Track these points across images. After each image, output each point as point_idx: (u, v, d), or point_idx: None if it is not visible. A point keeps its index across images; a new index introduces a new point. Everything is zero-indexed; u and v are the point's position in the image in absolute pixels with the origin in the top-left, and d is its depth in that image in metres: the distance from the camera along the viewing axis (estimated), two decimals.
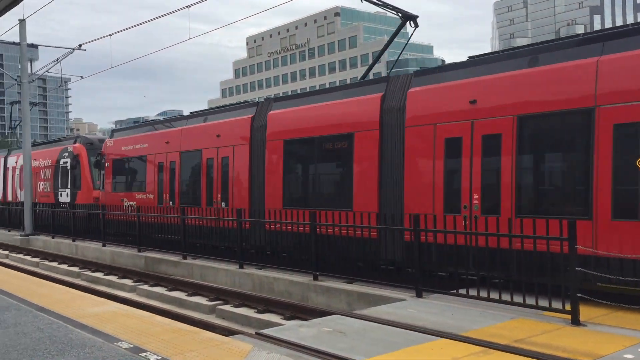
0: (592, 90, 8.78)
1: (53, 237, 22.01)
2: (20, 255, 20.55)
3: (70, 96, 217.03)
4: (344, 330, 7.53)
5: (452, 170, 10.45)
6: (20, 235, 23.43)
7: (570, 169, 9.12)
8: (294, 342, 6.98)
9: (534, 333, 7.24)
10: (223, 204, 15.52)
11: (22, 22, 23.74)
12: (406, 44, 15.35)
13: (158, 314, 10.66)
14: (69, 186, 24.45)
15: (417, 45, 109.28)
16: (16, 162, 30.25)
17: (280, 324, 9.55)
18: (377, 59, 15.05)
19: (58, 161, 25.52)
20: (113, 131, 22.24)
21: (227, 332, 9.06)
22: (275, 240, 13.01)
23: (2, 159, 32.15)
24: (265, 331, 7.61)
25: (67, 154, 24.97)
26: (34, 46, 31.31)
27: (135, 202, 18.90)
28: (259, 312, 10.50)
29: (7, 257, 21.08)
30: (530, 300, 8.37)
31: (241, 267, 13.11)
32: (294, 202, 13.28)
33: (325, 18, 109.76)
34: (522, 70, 9.67)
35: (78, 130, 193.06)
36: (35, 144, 29.30)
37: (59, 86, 27.79)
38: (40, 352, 6.50)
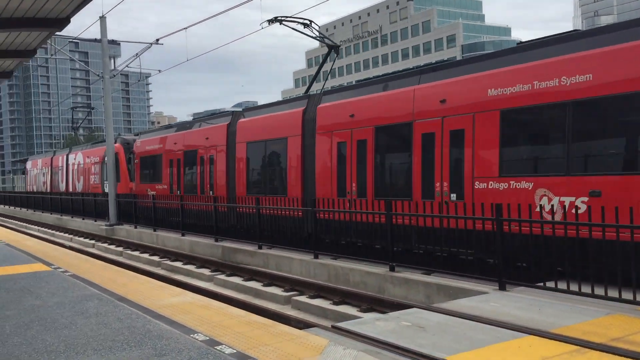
0: (411, 110, 12.51)
1: (136, 227, 22.68)
2: (105, 245, 21.31)
3: (150, 90, 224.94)
4: (424, 325, 7.19)
5: (341, 166, 14.34)
6: (106, 225, 24.32)
7: (403, 164, 12.79)
8: (371, 337, 6.71)
9: (633, 331, 6.64)
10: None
11: (102, 18, 24.51)
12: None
13: (234, 305, 10.68)
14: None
15: (494, 28, 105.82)
16: (75, 159, 35.82)
17: (356, 317, 9.31)
18: (309, 87, 19.80)
19: (103, 158, 29.86)
20: (139, 133, 27.04)
21: (303, 325, 8.91)
22: (344, 230, 12.77)
23: (65, 156, 37.89)
24: (342, 324, 7.38)
25: (110, 150, 26.85)
26: (115, 43, 32.55)
27: (155, 192, 22.95)
28: (335, 303, 10.30)
29: (93, 246, 21.92)
30: (627, 295, 7.73)
31: (316, 257, 12.98)
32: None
33: (397, 4, 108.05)
34: (378, 93, 13.63)
35: (159, 122, 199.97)
36: (95, 142, 34.41)
37: (139, 80, 28.78)
38: (119, 342, 6.55)
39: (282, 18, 17.48)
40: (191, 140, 21.32)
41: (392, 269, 11.02)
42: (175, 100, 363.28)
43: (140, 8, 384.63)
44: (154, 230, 20.91)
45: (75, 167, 35.74)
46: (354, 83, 16.03)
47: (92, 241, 22.71)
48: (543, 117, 10.10)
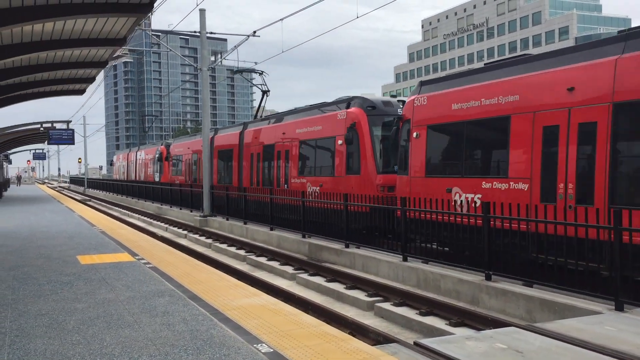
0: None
1: (227, 219, 22.72)
2: (196, 236, 21.45)
3: (253, 85, 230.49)
4: (522, 349, 6.12)
5: (267, 166, 22.88)
6: (200, 216, 24.56)
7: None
8: None
9: None
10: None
11: (202, 11, 24.71)
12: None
13: (311, 309, 9.99)
14: (159, 171, 40.90)
15: (612, 19, 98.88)
16: (141, 155, 48.73)
17: (444, 331, 8.33)
18: (256, 114, 29.17)
19: (154, 155, 42.70)
20: (170, 140, 38.81)
21: (382, 338, 8.05)
22: (436, 231, 11.70)
23: (135, 153, 51.68)
24: (425, 342, 6.46)
25: (158, 150, 41.11)
26: (215, 38, 33.00)
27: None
28: (422, 313, 9.35)
29: (185, 237, 22.16)
30: None
31: (405, 259, 12.08)
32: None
33: None
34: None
35: (260, 117, 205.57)
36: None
37: (235, 73, 28.78)
38: (177, 348, 6.02)
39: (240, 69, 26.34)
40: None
41: (488, 278, 9.91)
42: (277, 95, 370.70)
43: (244, 4, 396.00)
44: (244, 223, 20.79)
45: (140, 161, 49.09)
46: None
47: (185, 232, 22.96)
48: None
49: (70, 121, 35.58)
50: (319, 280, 12.32)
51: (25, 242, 15.41)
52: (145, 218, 30.31)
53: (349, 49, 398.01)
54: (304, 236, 16.48)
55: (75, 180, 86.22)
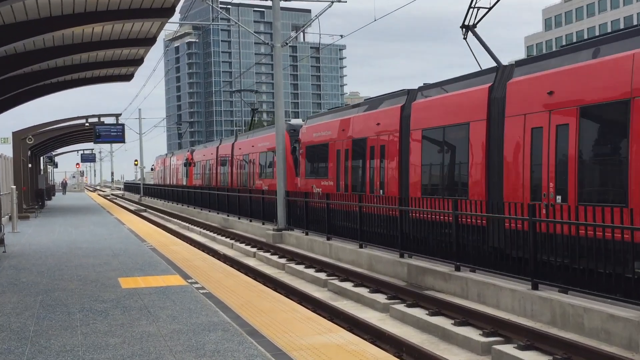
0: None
1: (307, 234, 22.66)
2: (268, 255, 21.49)
3: (344, 66, 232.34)
4: None
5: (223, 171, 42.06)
6: (273, 230, 24.68)
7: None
8: None
9: None
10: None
11: None
12: None
13: (407, 350, 9.59)
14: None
15: None
16: (173, 160, 62.90)
17: None
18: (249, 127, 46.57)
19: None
20: (192, 148, 53.13)
21: None
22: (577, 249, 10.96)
23: (169, 158, 65.58)
24: None
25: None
26: (294, 9, 33.28)
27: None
28: None
29: (254, 255, 22.28)
30: None
31: (535, 287, 11.44)
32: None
33: None
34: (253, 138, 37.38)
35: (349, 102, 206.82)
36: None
37: (317, 47, 28.84)
38: None
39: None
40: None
41: None
42: (373, 77, 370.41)
43: None
44: (327, 239, 20.64)
45: (172, 167, 63.77)
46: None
47: (254, 249, 23.10)
48: None
49: (120, 114, 36.94)
50: (419, 312, 11.90)
51: (62, 261, 15.96)
52: (208, 232, 30.88)
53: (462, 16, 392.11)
54: (402, 255, 16.16)
55: (130, 187, 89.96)
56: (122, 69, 22.94)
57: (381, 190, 21.46)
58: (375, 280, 15.09)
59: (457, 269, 13.90)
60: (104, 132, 35.56)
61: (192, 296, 10.99)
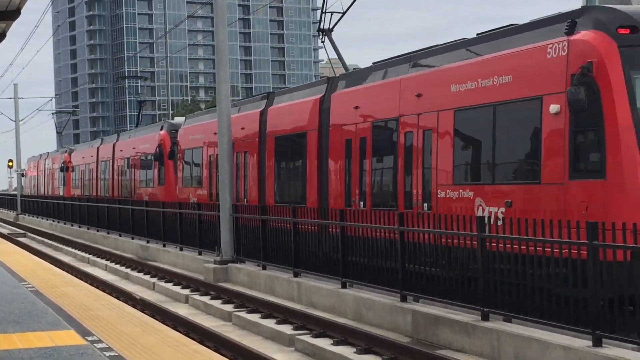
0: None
1: (264, 268, 22.76)
2: (206, 299, 21.59)
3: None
4: None
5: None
6: (215, 263, 24.70)
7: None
8: None
9: None
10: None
11: None
12: None
13: None
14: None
15: None
16: (48, 163, 68.83)
17: None
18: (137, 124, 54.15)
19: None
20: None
21: None
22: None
23: (41, 161, 71.65)
24: None
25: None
26: None
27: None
28: None
29: (186, 300, 22.35)
30: None
31: (598, 342, 11.83)
32: None
33: None
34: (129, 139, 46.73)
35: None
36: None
37: None
38: None
39: None
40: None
41: None
42: (365, 36, 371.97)
43: None
44: (295, 275, 20.75)
45: (51, 170, 64.78)
46: None
47: (186, 291, 23.21)
48: None
49: None
50: None
51: None
52: (119, 267, 30.90)
53: None
54: (403, 299, 16.34)
55: (1, 200, 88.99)
56: None
57: (245, 199, 26.80)
58: (365, 335, 15.28)
59: (485, 317, 14.08)
60: None
61: None
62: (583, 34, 16.46)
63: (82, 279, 23.91)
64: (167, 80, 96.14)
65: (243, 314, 19.04)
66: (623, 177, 15.58)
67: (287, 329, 17.02)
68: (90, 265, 33.15)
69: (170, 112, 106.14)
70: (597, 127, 16.11)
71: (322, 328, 16.52)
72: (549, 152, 16.96)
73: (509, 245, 14.10)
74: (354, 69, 30.81)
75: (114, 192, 48.31)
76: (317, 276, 20.15)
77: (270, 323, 17.74)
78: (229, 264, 24.54)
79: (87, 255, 35.56)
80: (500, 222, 16.04)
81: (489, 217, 17.47)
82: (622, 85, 15.83)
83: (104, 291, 21.41)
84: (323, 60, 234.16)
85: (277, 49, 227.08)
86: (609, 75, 15.83)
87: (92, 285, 22.36)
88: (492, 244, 14.43)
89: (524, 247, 13.81)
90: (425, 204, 19.98)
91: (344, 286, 18.58)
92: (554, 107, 16.67)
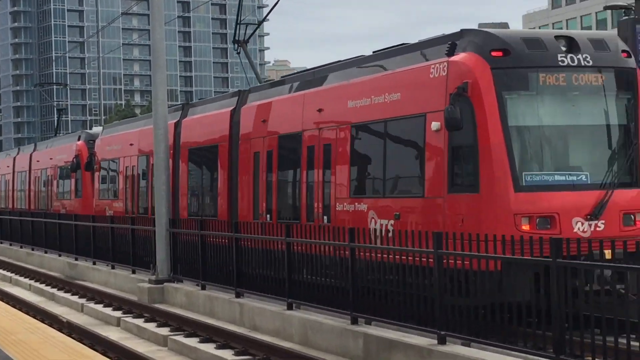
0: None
1: (203, 288, 22.68)
2: (140, 321, 21.50)
3: (267, 19, 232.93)
4: None
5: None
6: (150, 282, 24.58)
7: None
8: None
9: None
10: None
11: None
12: None
13: None
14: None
15: None
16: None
17: None
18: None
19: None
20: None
21: None
22: None
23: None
24: None
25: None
26: None
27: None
28: None
29: (118, 323, 22.21)
30: None
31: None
32: None
33: None
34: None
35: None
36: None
37: None
38: None
39: None
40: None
41: None
42: (313, 37, 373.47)
43: None
44: (237, 296, 20.71)
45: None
46: None
47: (118, 313, 23.06)
48: None
49: None
50: None
51: None
52: (44, 287, 30.58)
53: None
54: (354, 321, 16.35)
55: None
56: None
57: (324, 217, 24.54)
58: None
59: (442, 340, 14.01)
60: None
61: None
62: (460, 56, 18.58)
63: (2, 300, 23.67)
64: (100, 82, 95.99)
65: (180, 338, 19.00)
66: (494, 191, 17.64)
67: (227, 354, 17.03)
68: (13, 285, 32.81)
69: (103, 117, 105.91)
70: (471, 144, 18.14)
71: (265, 353, 16.54)
72: (431, 167, 19.03)
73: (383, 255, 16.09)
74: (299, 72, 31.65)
75: (31, 204, 49.73)
76: (261, 297, 20.11)
77: (209, 348, 17.71)
78: (165, 284, 24.45)
79: (9, 274, 35.14)
80: (390, 234, 17.85)
81: (381, 230, 19.59)
82: (494, 104, 17.85)
83: (27, 313, 21.21)
84: (270, 62, 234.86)
85: (219, 50, 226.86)
86: (482, 95, 17.86)
87: (14, 307, 22.08)
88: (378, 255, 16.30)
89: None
90: (325, 217, 21.99)
91: (290, 307, 18.54)
92: (435, 125, 18.58)
